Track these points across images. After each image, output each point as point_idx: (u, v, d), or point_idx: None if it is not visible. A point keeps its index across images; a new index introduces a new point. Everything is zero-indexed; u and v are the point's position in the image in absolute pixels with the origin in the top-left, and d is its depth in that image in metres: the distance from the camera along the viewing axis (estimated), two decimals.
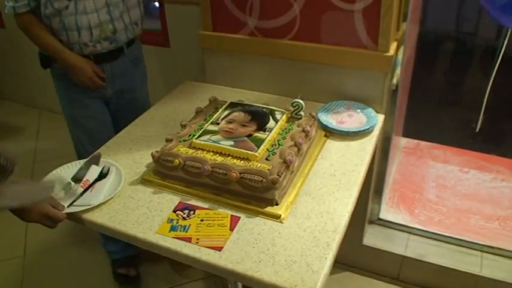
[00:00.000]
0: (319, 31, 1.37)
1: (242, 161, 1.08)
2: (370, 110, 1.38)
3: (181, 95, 1.58)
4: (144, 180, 1.14)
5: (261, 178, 1.02)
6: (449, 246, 1.71)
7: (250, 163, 1.07)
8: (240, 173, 1.03)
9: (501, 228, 1.73)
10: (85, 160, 1.22)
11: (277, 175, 1.02)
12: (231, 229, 0.99)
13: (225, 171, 1.04)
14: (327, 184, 1.12)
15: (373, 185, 1.65)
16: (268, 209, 1.03)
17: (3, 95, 3.21)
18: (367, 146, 1.26)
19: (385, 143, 1.58)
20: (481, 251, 1.66)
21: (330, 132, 1.31)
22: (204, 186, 1.09)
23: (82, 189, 1.11)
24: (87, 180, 1.14)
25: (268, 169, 1.04)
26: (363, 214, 1.69)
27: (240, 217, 1.02)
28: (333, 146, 1.27)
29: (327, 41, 1.38)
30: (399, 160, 2.18)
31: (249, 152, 1.08)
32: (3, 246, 1.99)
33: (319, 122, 1.32)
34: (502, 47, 1.25)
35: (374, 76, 1.36)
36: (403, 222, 1.83)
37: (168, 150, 1.12)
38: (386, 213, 1.85)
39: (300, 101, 1.22)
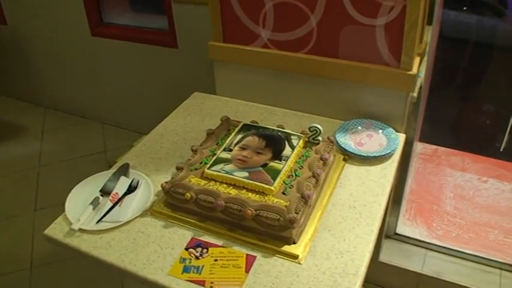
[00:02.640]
0: (337, 46, 1.30)
1: (258, 195, 1.03)
2: (390, 130, 1.32)
3: (191, 109, 1.52)
4: (154, 212, 1.10)
5: (278, 216, 0.97)
6: (468, 264, 1.67)
7: (266, 197, 1.02)
8: (255, 210, 0.98)
9: None
10: (113, 170, 1.21)
11: (295, 213, 0.97)
12: (247, 271, 0.95)
13: (240, 207, 1.00)
14: (346, 217, 1.08)
15: (391, 197, 1.59)
16: (286, 248, 0.99)
17: (6, 92, 3.17)
18: (388, 173, 1.21)
19: (405, 150, 1.51)
20: (500, 268, 1.61)
21: (349, 156, 1.25)
22: (217, 221, 1.04)
23: (111, 204, 1.10)
24: (117, 193, 1.13)
25: (285, 206, 0.99)
26: (380, 229, 1.65)
27: (255, 256, 0.98)
28: (352, 171, 1.22)
29: (346, 56, 1.31)
30: (416, 167, 2.12)
31: (264, 185, 1.03)
32: (10, 258, 1.97)
33: (337, 144, 1.26)
34: None
35: (395, 94, 1.30)
36: (420, 237, 1.78)
37: (179, 181, 1.07)
38: (403, 226, 1.80)
39: (318, 126, 1.16)
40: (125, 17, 2.53)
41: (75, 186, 1.17)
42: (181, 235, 1.04)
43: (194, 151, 1.19)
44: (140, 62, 2.42)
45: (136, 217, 1.08)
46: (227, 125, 1.29)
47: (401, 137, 1.33)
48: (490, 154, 2.16)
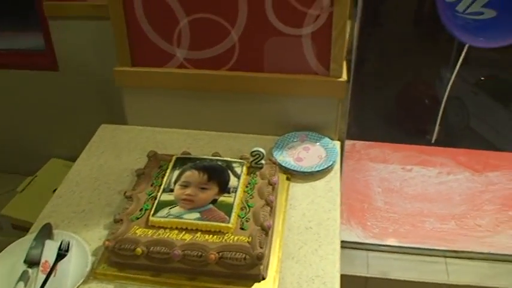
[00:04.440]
0: (262, 59, 1.42)
1: (215, 236, 1.10)
2: (326, 139, 1.47)
3: (102, 145, 1.53)
4: (98, 275, 1.11)
5: (244, 255, 1.05)
6: (411, 258, 1.90)
7: (225, 237, 1.10)
8: (217, 253, 1.05)
9: (458, 228, 1.96)
10: (33, 234, 1.18)
11: (260, 247, 1.06)
12: None
13: (200, 253, 1.06)
14: (306, 240, 1.19)
15: None
16: (256, 286, 1.07)
17: None
18: (333, 186, 1.35)
19: None
20: (444, 256, 1.87)
21: (291, 174, 1.37)
22: (175, 272, 1.09)
23: (44, 275, 1.08)
24: (46, 261, 1.11)
25: (248, 242, 1.08)
26: None
27: None
28: (298, 190, 1.34)
29: (272, 69, 1.43)
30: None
31: (220, 224, 1.11)
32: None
33: (278, 164, 1.37)
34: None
35: (326, 102, 1.45)
36: (358, 239, 1.98)
37: (122, 237, 1.10)
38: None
39: (261, 150, 1.26)
40: None
41: None
42: None
43: (129, 197, 1.22)
44: (12, 90, 2.30)
45: (79, 286, 1.08)
46: (156, 161, 1.33)
47: (338, 145, 1.48)
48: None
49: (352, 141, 2.48)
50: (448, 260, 1.86)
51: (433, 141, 1.57)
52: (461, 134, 3.03)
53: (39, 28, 2.09)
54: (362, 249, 1.96)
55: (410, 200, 2.14)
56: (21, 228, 2.05)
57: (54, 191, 2.18)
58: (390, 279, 1.84)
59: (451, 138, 2.75)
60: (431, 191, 2.17)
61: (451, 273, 1.81)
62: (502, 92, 3.08)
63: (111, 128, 1.60)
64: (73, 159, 2.34)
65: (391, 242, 1.94)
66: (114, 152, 1.49)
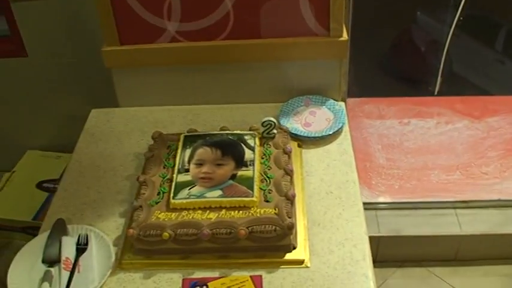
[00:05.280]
0: (259, 25, 1.45)
1: (240, 211, 1.16)
2: (331, 101, 1.53)
3: (98, 132, 1.56)
4: (125, 265, 1.16)
5: (274, 227, 1.12)
6: (421, 212, 2.01)
7: (251, 211, 1.16)
8: (247, 228, 1.12)
9: (464, 177, 2.08)
10: (46, 233, 1.21)
11: (288, 217, 1.13)
12: None
13: (229, 230, 1.12)
14: (329, 206, 1.27)
15: None
16: (288, 256, 1.14)
17: None
18: (346, 147, 1.42)
19: None
20: (454, 208, 1.98)
21: (301, 141, 1.44)
22: (205, 252, 1.15)
23: (68, 272, 1.11)
24: (67, 258, 1.14)
25: (275, 213, 1.14)
26: None
27: (261, 275, 1.12)
28: (312, 156, 1.41)
29: (270, 35, 1.47)
30: None
31: (245, 199, 1.17)
32: None
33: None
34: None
35: (328, 64, 1.51)
36: (364, 200, 2.07)
37: (146, 223, 1.15)
38: None
39: (272, 119, 1.32)
40: None
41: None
42: (170, 280, 1.13)
43: (143, 183, 1.26)
44: None
45: (106, 278, 1.13)
46: (163, 142, 1.37)
47: (344, 106, 1.55)
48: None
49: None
50: (458, 211, 1.97)
51: (435, 93, 1.65)
52: (450, 80, 3.13)
53: (1, 12, 2.07)
54: (370, 209, 2.05)
55: (413, 154, 2.23)
56: (7, 229, 2.07)
57: (39, 184, 2.20)
58: (403, 236, 1.94)
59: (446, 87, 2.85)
60: (432, 143, 2.27)
61: (463, 224, 1.92)
62: (483, 31, 3.16)
63: (103, 112, 1.63)
64: (51, 148, 2.35)
65: (399, 198, 2.04)
66: (112, 137, 1.52)
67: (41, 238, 1.22)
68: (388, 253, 2.00)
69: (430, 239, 1.92)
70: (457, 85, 3.02)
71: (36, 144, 2.36)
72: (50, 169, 2.18)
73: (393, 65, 3.16)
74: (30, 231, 1.91)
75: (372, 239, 1.95)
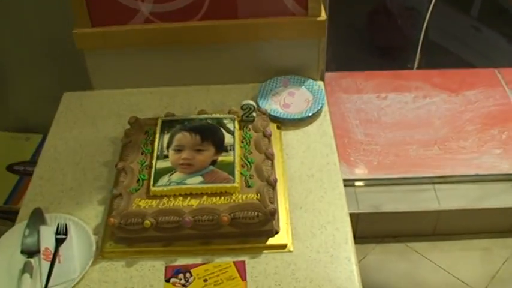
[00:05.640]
0: (236, 5, 1.46)
1: (222, 198, 1.19)
2: (309, 81, 1.56)
3: (72, 115, 1.56)
4: (106, 254, 1.19)
5: (256, 213, 1.15)
6: (400, 188, 2.07)
7: (233, 197, 1.19)
8: (229, 214, 1.15)
9: (443, 152, 2.14)
10: (23, 222, 1.22)
11: (271, 202, 1.17)
12: (243, 279, 1.13)
13: (211, 216, 1.15)
14: (310, 189, 1.31)
15: None
16: (271, 241, 1.19)
17: None
18: (326, 129, 1.46)
19: None
20: (432, 183, 2.05)
21: (281, 122, 1.47)
22: (188, 239, 1.19)
23: (48, 262, 1.13)
24: (47, 248, 1.16)
25: (257, 199, 1.18)
26: None
27: (244, 261, 1.16)
28: (291, 138, 1.44)
29: (246, 15, 1.48)
30: None
31: (226, 185, 1.20)
32: None
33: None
34: None
35: (306, 44, 1.53)
36: (343, 177, 2.12)
37: (127, 211, 1.17)
38: None
39: (251, 102, 1.34)
40: None
41: None
42: (152, 268, 1.16)
43: (121, 170, 1.28)
44: None
45: (89, 268, 1.16)
46: (140, 126, 1.39)
47: (323, 86, 1.58)
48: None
49: None
50: (437, 186, 2.04)
51: (415, 69, 1.69)
52: (426, 49, 3.18)
53: None
54: (349, 185, 2.11)
55: (391, 128, 2.29)
56: None
57: (9, 167, 2.19)
58: (382, 213, 2.01)
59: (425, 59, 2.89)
60: (410, 117, 2.32)
61: (442, 199, 1.99)
62: None
63: (76, 95, 1.63)
64: (20, 129, 2.33)
65: (378, 175, 2.09)
66: (87, 121, 1.53)
67: (19, 228, 1.24)
68: (367, 229, 2.06)
69: (409, 214, 1.99)
70: (434, 54, 3.07)
71: (3, 126, 2.35)
72: (20, 151, 2.18)
73: (370, 38, 3.19)
74: (2, 214, 1.92)
75: (351, 216, 2.00)
